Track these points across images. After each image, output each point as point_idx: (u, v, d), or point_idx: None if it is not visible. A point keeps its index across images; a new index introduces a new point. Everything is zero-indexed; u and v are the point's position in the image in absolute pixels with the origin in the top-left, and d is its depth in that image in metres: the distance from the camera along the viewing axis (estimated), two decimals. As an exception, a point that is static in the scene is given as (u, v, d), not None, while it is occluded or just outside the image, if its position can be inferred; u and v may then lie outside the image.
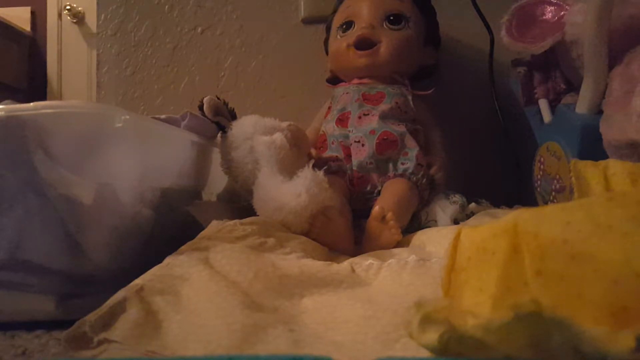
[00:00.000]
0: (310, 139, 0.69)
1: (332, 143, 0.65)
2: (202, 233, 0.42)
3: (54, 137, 0.36)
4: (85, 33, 1.22)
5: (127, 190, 0.42)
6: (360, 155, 0.62)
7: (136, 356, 0.26)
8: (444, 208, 0.60)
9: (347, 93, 0.67)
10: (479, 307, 0.21)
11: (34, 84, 1.25)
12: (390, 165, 0.62)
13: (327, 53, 0.76)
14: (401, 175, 0.61)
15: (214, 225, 0.43)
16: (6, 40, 1.19)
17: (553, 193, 0.57)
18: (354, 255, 0.48)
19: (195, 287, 0.32)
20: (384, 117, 0.63)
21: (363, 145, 0.62)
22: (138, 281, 0.32)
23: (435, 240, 0.47)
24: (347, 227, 0.54)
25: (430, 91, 0.68)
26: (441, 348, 0.20)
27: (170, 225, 0.51)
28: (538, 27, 0.57)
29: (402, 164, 0.61)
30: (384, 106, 0.64)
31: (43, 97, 1.19)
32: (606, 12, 0.46)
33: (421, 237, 0.50)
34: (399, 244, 0.51)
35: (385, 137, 0.61)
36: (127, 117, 0.38)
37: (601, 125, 0.47)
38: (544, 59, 0.60)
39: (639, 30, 0.49)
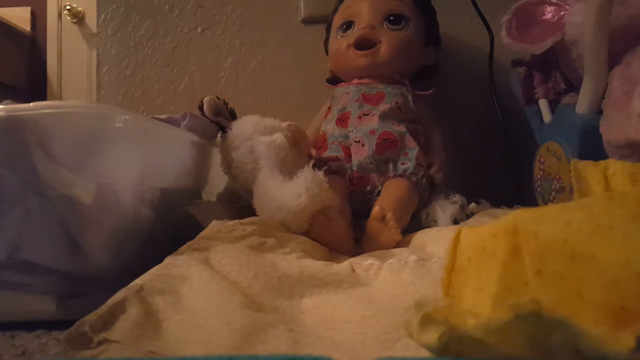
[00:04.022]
0: (310, 139, 0.69)
1: (332, 143, 0.65)
2: (202, 233, 0.42)
3: (54, 137, 0.36)
4: (85, 33, 1.22)
5: (127, 190, 0.42)
6: (360, 155, 0.62)
7: (136, 356, 0.26)
8: (444, 208, 0.60)
9: (347, 93, 0.67)
10: (479, 307, 0.21)
11: (34, 84, 1.25)
12: (390, 165, 0.62)
13: (327, 53, 0.76)
14: (401, 175, 0.61)
15: (214, 225, 0.43)
16: (6, 40, 1.19)
17: (553, 193, 0.57)
18: (354, 255, 0.48)
19: (195, 287, 0.32)
20: (384, 117, 0.63)
21: (363, 145, 0.62)
22: (138, 281, 0.32)
23: (435, 240, 0.47)
24: (347, 227, 0.54)
25: (430, 91, 0.68)
26: (441, 348, 0.20)
27: (170, 225, 0.51)
28: (538, 27, 0.57)
29: (402, 164, 0.61)
30: (384, 106, 0.64)
31: (43, 97, 1.19)
32: (606, 12, 0.46)
33: (421, 237, 0.50)
34: (399, 244, 0.51)
35: (385, 137, 0.62)
36: (127, 117, 0.38)
37: (601, 125, 0.47)
38: (544, 59, 0.60)
39: (639, 30, 0.49)
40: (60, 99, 1.20)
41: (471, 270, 0.23)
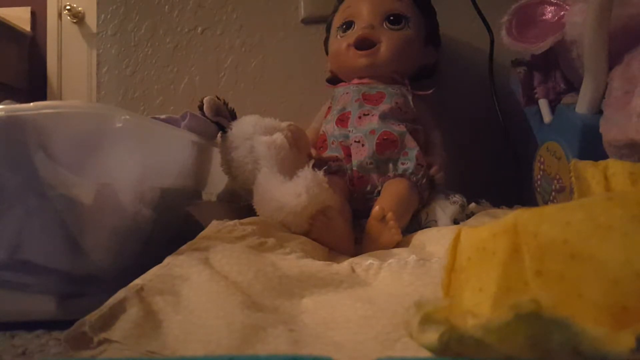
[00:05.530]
0: (310, 139, 0.69)
1: (332, 143, 0.65)
2: (202, 233, 0.42)
3: (54, 137, 0.36)
4: (85, 33, 1.22)
5: (127, 190, 0.42)
6: (360, 155, 0.62)
7: (136, 356, 0.26)
8: (444, 208, 0.60)
9: (347, 93, 0.67)
10: (479, 307, 0.21)
11: (34, 84, 1.25)
12: (390, 165, 0.62)
13: (327, 53, 0.76)
14: (401, 176, 0.61)
15: (214, 225, 0.43)
16: (6, 40, 1.19)
17: (553, 193, 0.57)
18: (354, 255, 0.48)
19: (195, 287, 0.32)
20: (384, 117, 0.63)
21: (363, 145, 0.62)
22: (138, 281, 0.32)
23: (435, 240, 0.47)
24: (347, 227, 0.54)
25: (430, 91, 0.68)
26: (441, 348, 0.20)
27: (170, 225, 0.51)
28: (538, 27, 0.57)
29: (402, 164, 0.61)
30: (384, 106, 0.64)
31: (43, 97, 1.19)
32: (606, 12, 0.46)
33: (421, 237, 0.50)
34: (399, 244, 0.51)
35: (385, 137, 0.61)
36: (127, 117, 0.38)
37: (601, 125, 0.47)
38: (544, 59, 0.60)
39: (638, 31, 0.49)
40: (60, 99, 1.20)
41: (471, 270, 0.23)
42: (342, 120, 0.65)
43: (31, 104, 0.36)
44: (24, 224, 0.36)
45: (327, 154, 0.65)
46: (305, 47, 0.84)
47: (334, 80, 0.74)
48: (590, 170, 0.37)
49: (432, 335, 0.20)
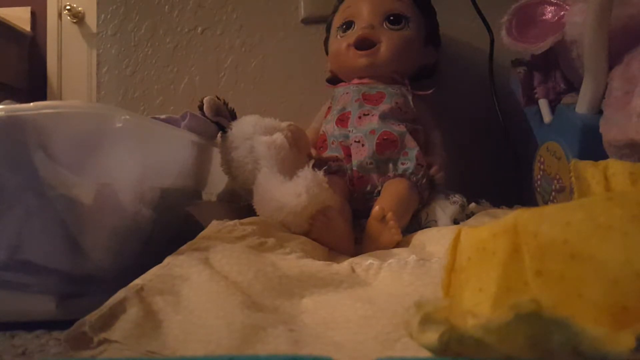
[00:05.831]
0: (310, 139, 0.69)
1: (332, 143, 0.65)
2: (202, 233, 0.42)
3: (54, 137, 0.36)
4: (85, 33, 1.22)
5: (127, 190, 0.42)
6: (360, 155, 0.62)
7: (136, 356, 0.26)
8: (444, 208, 0.60)
9: (347, 93, 0.67)
10: (479, 307, 0.21)
11: (34, 84, 1.25)
12: (390, 165, 0.62)
13: (327, 53, 0.76)
14: (401, 176, 0.61)
15: (214, 225, 0.43)
16: (6, 40, 1.19)
17: (553, 193, 0.57)
18: (354, 255, 0.48)
19: (195, 287, 0.32)
20: (384, 117, 0.63)
21: (363, 145, 0.62)
22: (138, 281, 0.32)
23: (435, 240, 0.47)
24: (347, 227, 0.54)
25: (430, 91, 0.68)
26: (441, 348, 0.20)
27: (170, 225, 0.51)
28: (538, 27, 0.57)
29: (402, 164, 0.61)
30: (384, 106, 0.64)
31: (43, 97, 1.19)
32: (606, 12, 0.46)
33: (421, 237, 0.50)
34: (399, 244, 0.51)
35: (385, 137, 0.61)
36: (127, 117, 0.38)
37: (601, 125, 0.47)
38: (544, 59, 0.60)
39: (638, 31, 0.49)
40: (60, 99, 1.20)
41: (471, 270, 0.23)
42: (342, 120, 0.65)
43: (31, 104, 0.36)
44: (24, 224, 0.36)
45: (327, 154, 0.65)
46: (305, 47, 0.85)
47: (334, 80, 0.74)
48: (590, 170, 0.37)
49: (432, 335, 0.20)
